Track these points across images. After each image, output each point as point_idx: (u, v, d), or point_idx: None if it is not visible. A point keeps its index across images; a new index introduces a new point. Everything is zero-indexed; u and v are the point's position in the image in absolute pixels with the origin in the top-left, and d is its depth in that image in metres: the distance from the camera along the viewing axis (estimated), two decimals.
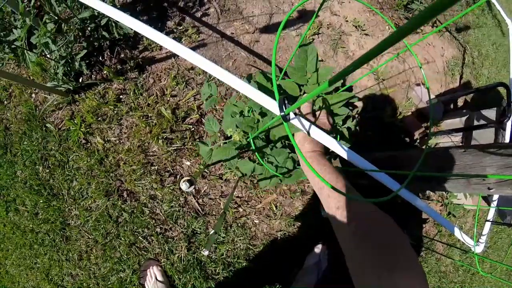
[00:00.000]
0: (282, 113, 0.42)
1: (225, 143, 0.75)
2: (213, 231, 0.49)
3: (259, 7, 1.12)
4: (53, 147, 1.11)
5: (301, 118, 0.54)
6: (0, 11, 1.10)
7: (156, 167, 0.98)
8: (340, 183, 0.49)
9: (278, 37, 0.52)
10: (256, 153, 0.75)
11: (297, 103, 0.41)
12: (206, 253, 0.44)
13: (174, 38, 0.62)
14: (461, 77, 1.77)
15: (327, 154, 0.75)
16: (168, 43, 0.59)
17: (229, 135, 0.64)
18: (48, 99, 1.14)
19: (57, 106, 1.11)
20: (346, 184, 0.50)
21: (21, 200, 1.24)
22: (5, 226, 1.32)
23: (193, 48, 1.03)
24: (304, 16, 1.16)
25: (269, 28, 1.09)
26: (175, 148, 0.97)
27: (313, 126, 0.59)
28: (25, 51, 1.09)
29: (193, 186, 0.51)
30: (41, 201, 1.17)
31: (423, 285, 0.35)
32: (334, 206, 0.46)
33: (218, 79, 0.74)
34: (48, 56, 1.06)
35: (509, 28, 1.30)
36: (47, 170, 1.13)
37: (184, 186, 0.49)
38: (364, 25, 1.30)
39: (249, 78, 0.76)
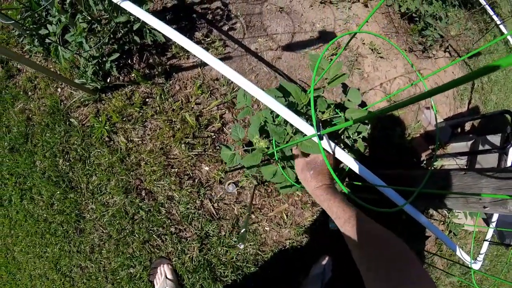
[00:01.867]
0: (318, 133, 0.49)
1: (252, 149, 0.81)
2: (243, 229, 0.56)
3: (282, 25, 1.20)
4: (75, 142, 1.17)
5: (328, 139, 0.61)
6: (35, 5, 1.16)
7: (176, 169, 1.04)
8: (348, 213, 0.55)
9: (319, 62, 0.59)
10: (278, 163, 0.82)
11: (334, 127, 0.49)
12: (242, 246, 0.51)
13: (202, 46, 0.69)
14: (469, 102, 1.86)
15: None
16: (206, 55, 0.66)
17: (254, 142, 0.71)
18: (74, 95, 1.21)
19: (82, 103, 1.18)
20: (354, 212, 0.55)
21: (37, 190, 1.29)
22: (17, 213, 1.37)
23: (227, 56, 1.11)
24: (324, 36, 1.25)
25: (291, 46, 1.17)
26: (196, 153, 1.04)
27: (337, 147, 0.67)
28: (59, 47, 1.16)
29: (237, 188, 0.59)
30: (58, 192, 1.22)
31: None
32: (347, 230, 0.53)
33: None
34: (81, 54, 1.13)
35: None
36: (67, 163, 1.19)
37: (231, 187, 0.56)
38: (379, 48, 1.39)
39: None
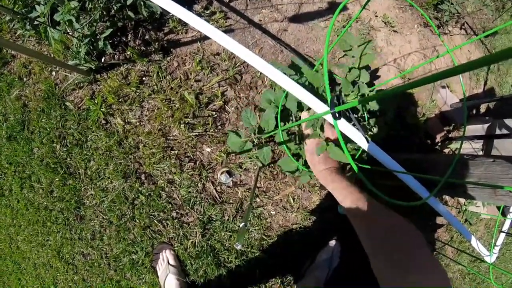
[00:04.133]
0: (333, 111, 0.44)
1: (265, 137, 0.76)
2: (243, 223, 0.51)
3: None
4: (71, 126, 1.14)
5: (346, 122, 0.55)
6: None
7: (176, 151, 1.00)
8: (354, 195, 0.54)
9: (330, 31, 0.53)
10: (284, 146, 0.77)
11: (348, 104, 0.42)
12: (239, 247, 0.46)
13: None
14: (485, 83, 1.76)
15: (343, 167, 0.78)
16: (205, 26, 0.61)
17: (268, 130, 0.66)
18: (68, 77, 1.17)
19: (77, 85, 1.14)
20: (360, 194, 0.54)
21: (37, 177, 1.28)
22: (18, 202, 1.37)
23: (229, 29, 1.04)
24: (334, 7, 1.16)
25: (298, 18, 1.10)
26: (197, 133, 0.99)
27: (352, 127, 0.61)
28: (48, 28, 1.11)
29: (231, 178, 0.54)
30: (56, 179, 1.21)
31: (443, 282, 0.37)
32: (353, 214, 0.51)
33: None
34: (71, 34, 1.08)
35: None
36: (65, 149, 1.17)
37: (223, 178, 0.51)
38: (393, 21, 1.29)
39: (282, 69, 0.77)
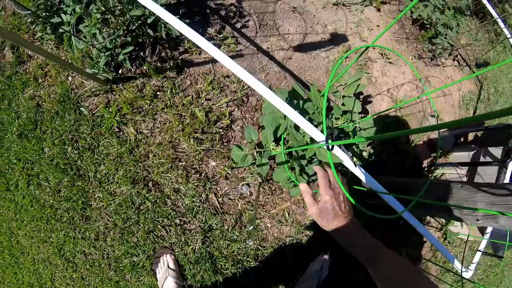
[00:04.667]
0: (327, 145, 0.54)
1: (264, 151, 0.86)
2: (251, 227, 0.60)
3: (294, 25, 1.24)
4: (85, 131, 1.21)
5: (339, 149, 0.65)
6: None
7: (184, 163, 1.09)
8: (375, 252, 0.56)
9: (333, 74, 0.63)
10: (285, 165, 0.86)
11: (345, 141, 0.53)
12: (250, 243, 0.55)
13: (214, 43, 0.73)
14: (474, 112, 1.90)
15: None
16: (217, 53, 0.70)
17: (270, 148, 0.76)
18: (85, 84, 1.25)
19: (93, 93, 1.22)
20: (381, 250, 0.56)
21: (45, 176, 1.34)
22: (24, 198, 1.42)
23: (230, 57, 1.14)
24: (335, 39, 1.28)
25: (302, 47, 1.21)
26: (204, 148, 1.08)
27: (347, 158, 0.70)
28: (73, 37, 1.19)
29: (249, 189, 0.63)
30: (65, 180, 1.27)
31: None
32: (364, 256, 0.55)
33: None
34: (94, 45, 1.16)
35: None
36: (76, 152, 1.24)
37: (244, 188, 0.60)
38: (389, 53, 1.42)
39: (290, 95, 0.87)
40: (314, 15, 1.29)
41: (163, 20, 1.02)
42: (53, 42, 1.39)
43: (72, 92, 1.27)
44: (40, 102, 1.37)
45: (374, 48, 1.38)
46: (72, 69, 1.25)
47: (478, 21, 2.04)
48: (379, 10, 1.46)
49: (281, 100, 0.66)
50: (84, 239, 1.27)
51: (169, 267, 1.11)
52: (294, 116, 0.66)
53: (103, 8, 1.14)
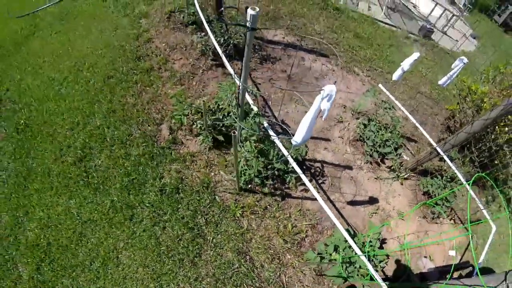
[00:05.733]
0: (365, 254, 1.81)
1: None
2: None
3: (350, 188, 2.66)
4: (215, 210, 2.49)
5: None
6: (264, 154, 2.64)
7: (272, 251, 2.34)
8: None
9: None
10: (340, 268, 2.13)
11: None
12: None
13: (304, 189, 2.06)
14: (461, 258, 3.21)
15: None
16: (316, 194, 2.03)
17: (331, 256, 2.04)
18: (223, 182, 2.59)
19: (227, 190, 2.54)
20: None
21: (171, 225, 2.56)
22: (144, 231, 2.61)
23: (310, 198, 2.52)
24: (371, 200, 2.68)
25: (351, 203, 2.60)
26: (287, 247, 2.35)
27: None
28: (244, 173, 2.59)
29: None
30: (188, 234, 2.49)
31: None
32: None
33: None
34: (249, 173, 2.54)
35: None
36: (204, 220, 2.49)
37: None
38: (403, 212, 2.81)
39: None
40: (362, 183, 2.73)
41: (294, 173, 2.41)
42: (207, 146, 2.79)
43: (211, 183, 2.61)
44: (183, 177, 2.70)
45: (394, 209, 2.77)
46: (222, 171, 2.61)
47: (478, 188, 3.52)
48: (402, 184, 2.92)
49: (346, 233, 1.97)
50: (185, 277, 2.42)
51: None
52: (351, 241, 1.97)
53: (262, 162, 2.57)
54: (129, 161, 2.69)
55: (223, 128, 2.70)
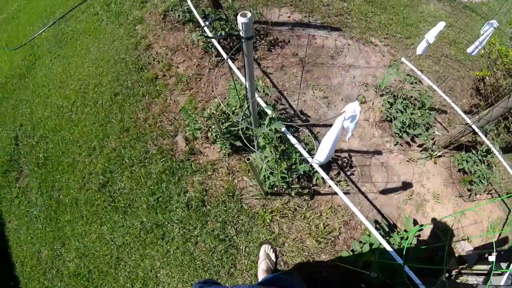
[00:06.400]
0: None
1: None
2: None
3: (381, 176, 2.55)
4: (244, 219, 2.49)
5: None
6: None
7: (306, 253, 2.33)
8: None
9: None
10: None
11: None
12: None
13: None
14: (499, 234, 3.09)
15: None
16: (339, 191, 1.98)
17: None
18: (248, 188, 2.56)
19: (253, 196, 2.52)
20: None
21: (203, 239, 2.60)
22: (177, 248, 2.65)
23: (344, 193, 2.45)
24: (404, 185, 2.58)
25: (384, 191, 2.50)
26: (320, 247, 2.33)
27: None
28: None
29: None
30: (220, 246, 2.52)
31: None
32: None
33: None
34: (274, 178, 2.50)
35: None
36: (234, 230, 2.50)
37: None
38: (438, 195, 2.69)
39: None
40: (393, 168, 2.60)
41: (320, 174, 2.33)
42: (226, 152, 2.75)
43: (236, 190, 2.59)
44: (207, 188, 2.69)
45: (429, 191, 2.66)
46: (246, 177, 2.58)
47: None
48: (435, 163, 2.78)
49: (374, 230, 1.92)
50: None
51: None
52: (381, 239, 1.92)
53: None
54: (151, 179, 2.71)
55: (239, 132, 2.63)
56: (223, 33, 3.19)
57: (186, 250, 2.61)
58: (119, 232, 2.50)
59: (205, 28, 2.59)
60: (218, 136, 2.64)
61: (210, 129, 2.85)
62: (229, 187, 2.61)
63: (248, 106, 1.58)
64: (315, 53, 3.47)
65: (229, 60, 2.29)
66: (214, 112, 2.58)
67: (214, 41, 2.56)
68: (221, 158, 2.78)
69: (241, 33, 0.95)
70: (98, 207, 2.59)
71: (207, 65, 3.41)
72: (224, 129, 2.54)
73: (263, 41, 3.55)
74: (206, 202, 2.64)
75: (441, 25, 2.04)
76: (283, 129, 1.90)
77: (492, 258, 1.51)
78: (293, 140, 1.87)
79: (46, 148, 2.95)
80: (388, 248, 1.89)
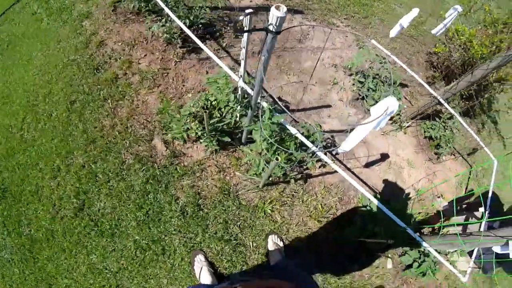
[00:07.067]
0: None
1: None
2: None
3: (362, 151, 2.77)
4: (245, 214, 2.48)
5: None
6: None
7: (311, 234, 2.45)
8: None
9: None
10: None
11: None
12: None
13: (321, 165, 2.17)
14: (466, 187, 3.62)
15: None
16: (337, 168, 2.15)
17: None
18: (242, 183, 2.54)
19: (248, 190, 2.52)
20: None
21: (207, 244, 2.51)
22: (182, 260, 2.56)
23: (330, 172, 2.61)
24: (383, 157, 2.84)
25: (367, 165, 2.73)
26: (320, 226, 2.47)
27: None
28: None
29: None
30: (227, 247, 2.48)
31: None
32: None
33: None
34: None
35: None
36: (238, 228, 2.47)
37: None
38: (412, 161, 3.03)
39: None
40: (371, 143, 2.84)
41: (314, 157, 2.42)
42: (214, 150, 2.66)
43: (231, 187, 2.55)
44: (199, 191, 2.60)
45: (403, 160, 2.97)
46: (239, 173, 2.55)
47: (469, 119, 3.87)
48: (405, 133, 3.10)
49: (372, 198, 2.13)
50: None
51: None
52: (381, 206, 2.13)
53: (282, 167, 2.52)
54: (135, 192, 2.51)
55: (225, 127, 2.58)
56: (187, 21, 3.02)
57: (185, 254, 2.52)
58: (111, 257, 2.29)
59: (171, 13, 2.41)
60: (204, 134, 2.55)
61: (189, 128, 2.73)
62: (223, 185, 2.57)
63: (249, 101, 1.55)
64: (283, 37, 3.51)
65: (199, 42, 2.19)
66: (198, 109, 2.48)
67: (186, 30, 2.40)
68: (207, 156, 2.69)
69: (270, 27, 0.92)
70: (80, 235, 2.32)
71: (172, 58, 3.20)
72: (209, 125, 2.46)
73: (228, 28, 3.46)
74: (202, 206, 2.56)
75: (415, 12, 2.24)
76: (282, 120, 1.92)
77: (482, 209, 1.78)
78: (293, 131, 1.91)
79: (1, 178, 2.50)
80: (389, 214, 2.10)
